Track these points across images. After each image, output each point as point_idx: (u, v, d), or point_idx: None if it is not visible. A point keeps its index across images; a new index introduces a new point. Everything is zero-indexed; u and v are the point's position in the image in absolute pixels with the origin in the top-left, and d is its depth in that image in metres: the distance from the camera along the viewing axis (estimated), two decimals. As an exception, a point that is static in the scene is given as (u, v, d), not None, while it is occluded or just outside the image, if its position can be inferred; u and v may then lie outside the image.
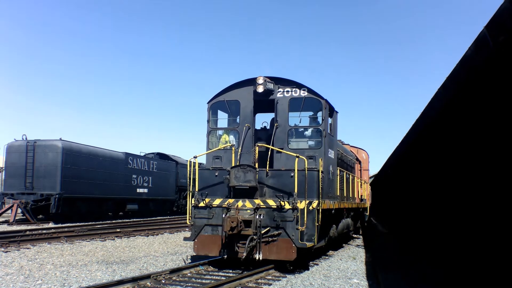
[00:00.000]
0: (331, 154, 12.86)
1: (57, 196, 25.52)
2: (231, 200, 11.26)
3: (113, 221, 27.90)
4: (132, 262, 12.21)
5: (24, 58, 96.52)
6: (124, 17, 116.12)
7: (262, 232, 10.80)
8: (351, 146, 22.03)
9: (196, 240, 11.40)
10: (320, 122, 12.03)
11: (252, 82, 12.16)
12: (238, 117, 12.58)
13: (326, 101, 12.15)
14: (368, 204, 21.90)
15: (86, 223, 25.13)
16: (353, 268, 11.82)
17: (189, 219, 11.49)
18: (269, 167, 11.66)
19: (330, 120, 13.02)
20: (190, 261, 12.41)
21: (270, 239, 10.85)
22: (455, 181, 9.07)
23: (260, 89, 11.95)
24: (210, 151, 12.17)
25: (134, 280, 9.13)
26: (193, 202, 11.49)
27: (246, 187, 11.11)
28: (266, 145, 11.94)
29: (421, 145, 12.18)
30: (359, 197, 19.31)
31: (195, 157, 11.47)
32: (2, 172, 27.14)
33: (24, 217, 25.92)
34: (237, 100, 12.45)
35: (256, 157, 11.80)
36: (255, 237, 10.72)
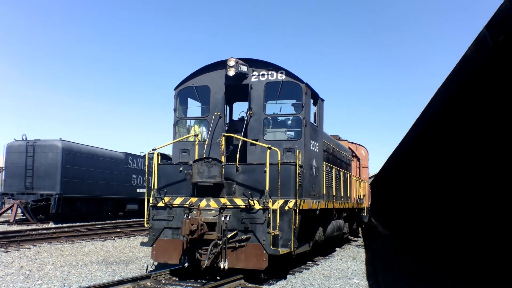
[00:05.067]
0: (315, 146, 10.61)
1: (57, 196, 24.20)
2: (193, 199, 9.14)
3: (113, 221, 26.59)
4: (132, 262, 11.44)
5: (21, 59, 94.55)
6: (124, 11, 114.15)
7: (229, 236, 8.66)
8: (349, 142, 19.60)
9: (154, 245, 9.29)
10: (300, 109, 9.80)
11: (223, 64, 10.02)
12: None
13: (307, 85, 9.93)
14: (367, 204, 19.41)
15: (86, 223, 23.91)
16: (353, 268, 11.03)
17: (147, 221, 9.39)
18: (242, 161, 9.52)
19: (314, 109, 10.81)
20: (153, 268, 10.31)
21: (238, 244, 8.69)
22: (456, 181, 8.53)
23: (231, 72, 9.80)
24: (169, 143, 9.97)
25: (134, 280, 8.55)
26: (151, 201, 9.39)
27: (210, 183, 8.97)
28: (233, 135, 9.79)
29: (421, 145, 11.50)
30: (357, 196, 16.94)
31: (154, 150, 9.38)
32: (2, 172, 25.71)
33: (24, 217, 24.69)
34: (207, 86, 10.32)
35: (223, 148, 9.63)
36: (219, 242, 8.58)
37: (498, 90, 5.63)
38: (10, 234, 16.43)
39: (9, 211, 24.62)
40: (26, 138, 25.20)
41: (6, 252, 13.15)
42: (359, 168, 19.23)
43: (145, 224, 9.35)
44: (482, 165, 6.89)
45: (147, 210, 9.38)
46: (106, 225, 22.69)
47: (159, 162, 9.80)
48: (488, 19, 4.97)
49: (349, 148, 18.38)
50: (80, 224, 23.15)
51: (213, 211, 8.91)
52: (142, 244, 9.47)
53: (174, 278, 9.06)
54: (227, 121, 11.44)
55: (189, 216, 8.76)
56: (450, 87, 7.31)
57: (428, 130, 10.22)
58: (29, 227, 20.53)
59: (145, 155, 31.79)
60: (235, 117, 11.63)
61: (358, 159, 19.30)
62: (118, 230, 19.83)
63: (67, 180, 24.85)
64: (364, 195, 17.91)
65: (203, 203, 9.02)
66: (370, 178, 26.86)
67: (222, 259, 8.59)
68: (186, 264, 8.99)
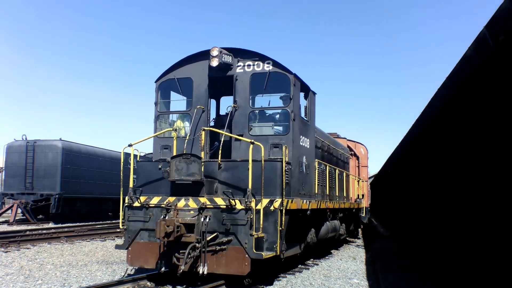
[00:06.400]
0: (305, 142, 9.66)
1: (57, 196, 23.59)
2: (171, 199, 8.23)
3: (113, 221, 25.76)
4: (132, 262, 10.71)
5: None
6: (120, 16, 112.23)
7: (208, 238, 7.74)
8: (348, 140, 18.50)
9: (129, 248, 8.39)
10: (288, 102, 8.86)
11: (207, 55, 9.11)
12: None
13: (295, 76, 8.99)
14: (366, 204, 18.30)
15: (86, 223, 23.29)
16: (353, 268, 10.72)
17: (122, 222, 8.50)
18: (227, 158, 8.62)
19: (305, 103, 9.87)
20: (133, 272, 9.44)
21: (218, 247, 7.77)
22: (456, 181, 8.14)
23: (215, 62, 8.89)
24: (145, 138, 8.96)
25: (134, 280, 8.20)
26: (126, 201, 8.51)
27: (188, 181, 8.06)
28: (215, 129, 8.88)
29: (420, 145, 11.21)
30: (356, 196, 15.92)
31: (130, 145, 8.49)
32: (2, 172, 25.09)
33: (24, 217, 24.09)
34: (190, 78, 9.42)
35: (202, 144, 8.71)
36: (198, 245, 7.67)
37: (498, 90, 5.44)
38: (10, 234, 15.97)
39: (9, 211, 24.03)
40: (26, 138, 24.59)
41: (6, 252, 12.82)
42: (358, 167, 18.18)
43: (120, 226, 8.46)
44: (483, 165, 6.51)
45: (121, 210, 8.50)
46: (106, 225, 22.07)
47: (138, 159, 8.95)
48: (488, 19, 4.85)
49: (348, 146, 17.38)
50: (80, 224, 22.51)
51: (192, 212, 8.00)
52: (117, 247, 8.58)
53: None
54: (214, 116, 10.59)
55: (166, 217, 7.88)
56: (450, 87, 7.10)
57: (428, 130, 9.83)
58: (29, 227, 19.94)
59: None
60: (223, 112, 10.71)
61: (357, 158, 18.26)
62: (118, 230, 19.05)
63: (67, 180, 24.25)
64: (363, 195, 16.88)
65: (181, 202, 8.12)
66: (370, 178, 25.64)
67: (201, 264, 7.68)
68: (163, 269, 8.08)
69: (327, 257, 12.42)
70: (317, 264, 10.99)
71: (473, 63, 5.75)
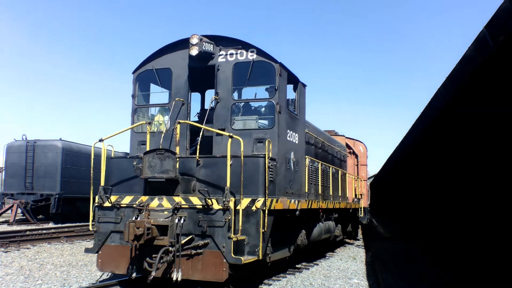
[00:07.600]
0: (293, 137, 8.75)
1: (57, 196, 22.91)
2: (144, 198, 7.38)
3: (113, 221, 24.90)
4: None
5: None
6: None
7: (183, 241, 6.88)
8: (347, 138, 17.44)
9: (100, 252, 7.55)
10: (273, 93, 7.97)
11: (187, 43, 8.25)
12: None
13: (281, 65, 8.10)
14: (365, 204, 17.21)
15: (86, 223, 22.53)
16: (353, 268, 10.48)
17: (92, 224, 7.67)
18: (208, 154, 7.76)
19: (294, 95, 8.98)
20: (109, 277, 8.62)
21: (193, 251, 6.91)
22: (457, 181, 8.10)
23: (194, 51, 8.03)
24: (117, 133, 8.04)
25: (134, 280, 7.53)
26: (97, 201, 7.68)
27: (162, 179, 7.21)
28: (190, 122, 8.01)
29: (421, 146, 11.12)
30: (354, 195, 14.94)
31: (100, 141, 7.66)
32: (2, 172, 24.50)
33: (24, 217, 23.42)
34: (169, 68, 8.57)
35: (177, 138, 7.84)
36: (171, 248, 6.82)
37: (498, 90, 5.40)
38: (10, 234, 15.60)
39: (9, 211, 23.41)
40: (26, 138, 23.96)
41: (6, 252, 12.60)
42: (357, 165, 17.14)
43: (90, 228, 7.63)
44: (483, 165, 6.37)
45: (91, 211, 7.67)
46: (105, 225, 21.43)
47: (112, 156, 8.13)
48: (488, 19, 4.82)
49: (346, 144, 16.40)
50: (80, 224, 21.76)
51: (165, 212, 7.14)
52: (86, 250, 7.74)
53: None
54: (198, 111, 9.75)
55: (139, 219, 7.03)
56: (450, 87, 7.01)
57: (429, 130, 9.65)
58: (29, 227, 19.32)
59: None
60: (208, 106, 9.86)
61: (356, 156, 17.23)
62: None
63: (67, 180, 23.59)
64: (361, 195, 15.89)
65: (155, 202, 7.26)
66: (370, 178, 24.45)
67: (175, 269, 6.83)
68: (134, 275, 7.23)
69: (326, 257, 11.83)
70: (317, 264, 10.62)
71: (473, 63, 5.58)
